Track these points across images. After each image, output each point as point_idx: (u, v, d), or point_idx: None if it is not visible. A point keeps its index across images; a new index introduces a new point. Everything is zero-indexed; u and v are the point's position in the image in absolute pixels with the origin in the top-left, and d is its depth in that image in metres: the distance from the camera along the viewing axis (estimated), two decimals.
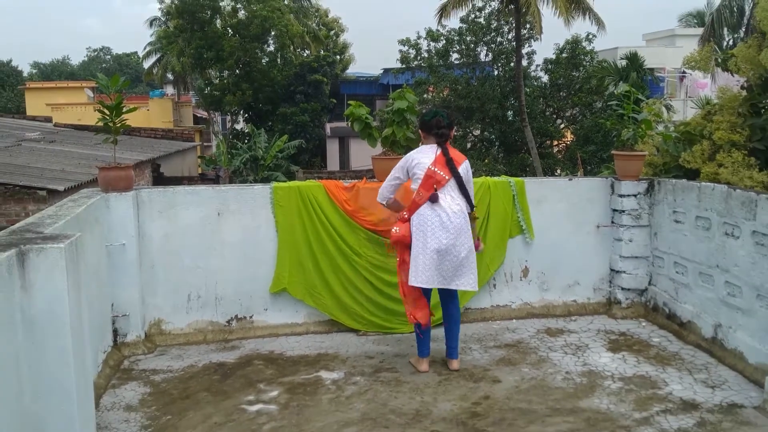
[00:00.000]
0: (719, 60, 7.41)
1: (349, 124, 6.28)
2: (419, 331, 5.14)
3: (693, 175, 6.67)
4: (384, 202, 5.26)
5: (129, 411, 4.56)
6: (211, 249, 5.84)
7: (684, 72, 30.73)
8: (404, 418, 4.40)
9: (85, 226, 4.59)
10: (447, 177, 4.92)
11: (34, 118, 29.23)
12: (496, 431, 4.21)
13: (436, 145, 5.02)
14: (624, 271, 6.36)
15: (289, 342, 5.82)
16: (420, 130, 5.21)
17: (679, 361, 5.29)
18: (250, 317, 5.99)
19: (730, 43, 22.50)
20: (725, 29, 23.31)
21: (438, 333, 5.44)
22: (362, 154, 28.88)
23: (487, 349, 5.60)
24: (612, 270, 6.49)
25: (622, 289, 6.39)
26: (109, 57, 76.06)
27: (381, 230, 5.86)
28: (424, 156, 5.01)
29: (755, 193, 4.92)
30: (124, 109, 5.57)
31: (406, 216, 5.04)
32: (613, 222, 6.42)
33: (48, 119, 28.87)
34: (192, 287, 5.86)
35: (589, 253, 6.48)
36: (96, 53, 77.25)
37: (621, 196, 6.28)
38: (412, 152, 5.16)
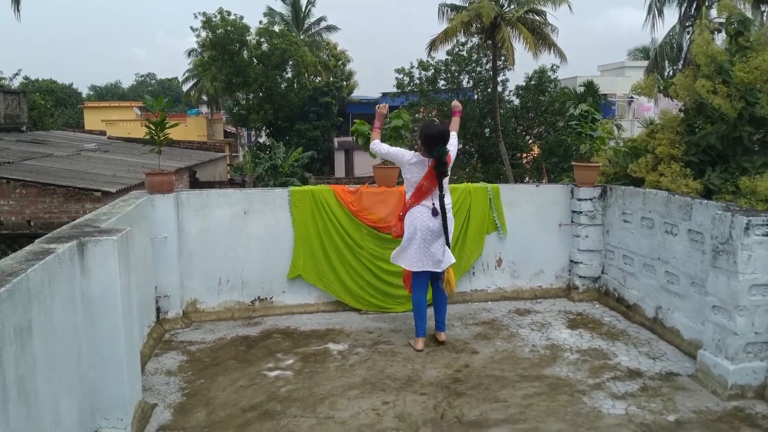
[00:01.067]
0: (661, 87, 7.39)
1: (354, 138, 6.27)
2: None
3: (639, 183, 6.66)
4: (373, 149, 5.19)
5: (169, 375, 4.56)
6: (239, 242, 5.83)
7: (632, 97, 30.77)
8: (398, 382, 4.41)
9: (133, 221, 4.59)
10: (433, 188, 4.87)
11: (91, 132, 29.28)
12: (474, 394, 4.21)
13: (428, 160, 4.82)
14: (581, 262, 6.36)
15: (303, 319, 5.81)
16: (423, 144, 4.84)
17: (626, 337, 5.30)
18: (271, 298, 5.98)
19: (671, 73, 22.47)
20: (666, 62, 23.27)
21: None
22: (364, 164, 28.88)
23: (467, 326, 5.59)
24: (571, 261, 6.48)
25: (580, 276, 6.39)
26: (153, 81, 75.69)
27: (380, 227, 5.86)
28: (419, 169, 4.87)
29: (690, 198, 4.93)
30: (167, 125, 5.57)
31: (401, 214, 5.05)
32: (572, 221, 6.42)
33: (103, 133, 28.91)
34: (222, 273, 5.85)
35: (553, 246, 6.47)
36: (143, 78, 76.88)
37: (579, 199, 6.28)
38: (411, 154, 4.92)
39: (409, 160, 4.93)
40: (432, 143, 4.77)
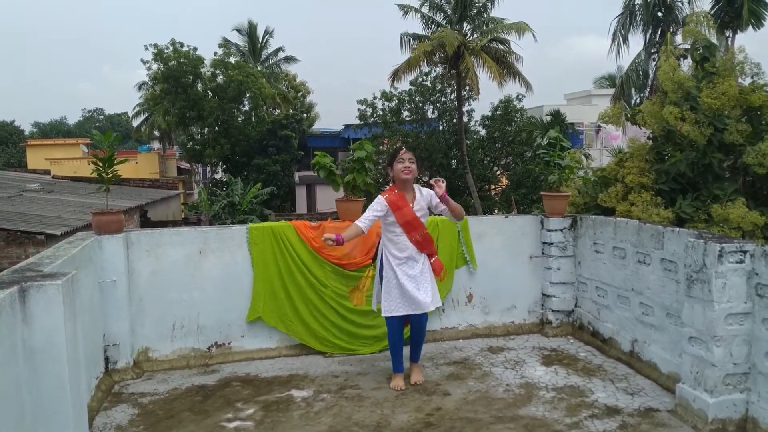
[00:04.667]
0: (628, 115, 7.60)
1: (316, 171, 6.27)
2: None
3: (609, 213, 6.79)
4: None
5: (119, 431, 4.42)
6: (194, 283, 5.74)
7: (599, 126, 31.53)
8: (366, 429, 4.35)
9: (80, 264, 4.49)
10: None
11: (34, 171, 28.75)
12: None
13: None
14: (554, 295, 6.42)
15: (264, 365, 5.72)
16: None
17: (602, 372, 5.33)
18: (229, 343, 5.88)
19: (637, 101, 23.11)
20: (633, 89, 23.96)
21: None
22: (327, 199, 28.84)
23: (438, 366, 5.57)
24: (543, 294, 6.54)
25: (553, 311, 6.44)
26: (102, 117, 75.04)
27: (344, 264, 5.84)
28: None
29: (662, 227, 5.04)
30: (116, 161, 5.50)
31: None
32: (543, 253, 6.49)
33: (47, 172, 28.40)
34: (176, 318, 5.73)
35: (524, 280, 6.53)
36: (90, 114, 76.21)
37: (549, 230, 6.36)
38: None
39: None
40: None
